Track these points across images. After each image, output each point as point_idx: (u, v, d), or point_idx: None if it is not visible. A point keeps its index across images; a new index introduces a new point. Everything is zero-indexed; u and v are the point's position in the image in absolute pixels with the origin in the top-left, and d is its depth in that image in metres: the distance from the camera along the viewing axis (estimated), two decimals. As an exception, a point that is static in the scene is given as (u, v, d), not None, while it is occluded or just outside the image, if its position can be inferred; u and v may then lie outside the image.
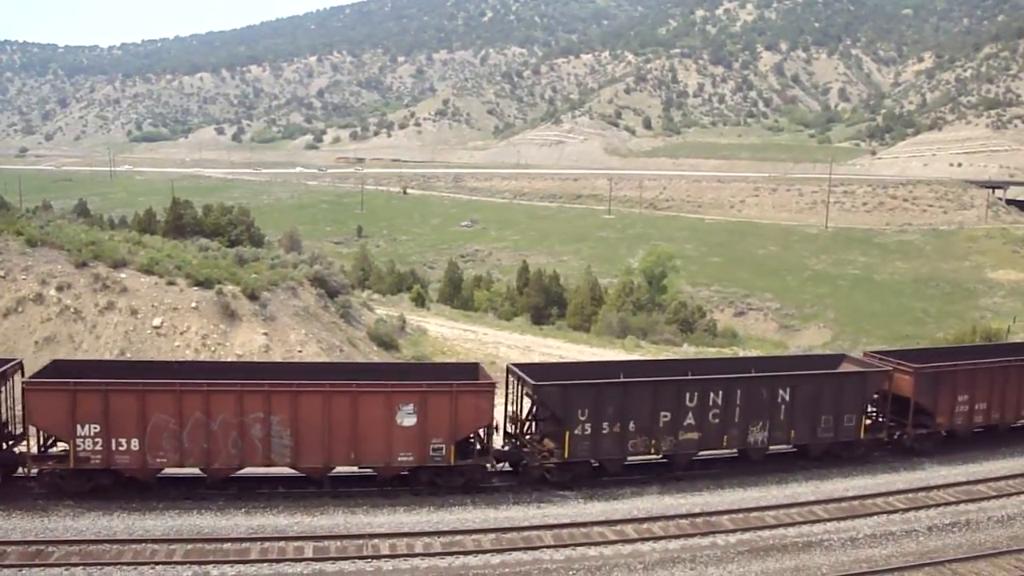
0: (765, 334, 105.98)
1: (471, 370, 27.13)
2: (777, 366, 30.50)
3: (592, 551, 21.32)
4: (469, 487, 24.90)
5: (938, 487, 26.27)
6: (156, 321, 36.20)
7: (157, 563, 19.68)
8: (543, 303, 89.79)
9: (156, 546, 20.42)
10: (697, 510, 24.00)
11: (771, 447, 27.58)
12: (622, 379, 27.00)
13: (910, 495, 25.56)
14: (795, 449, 28.60)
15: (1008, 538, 22.92)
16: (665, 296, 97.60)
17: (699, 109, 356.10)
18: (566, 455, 25.07)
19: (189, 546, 20.52)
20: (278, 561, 20.08)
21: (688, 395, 26.13)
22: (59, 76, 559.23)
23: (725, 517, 23.61)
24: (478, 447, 25.13)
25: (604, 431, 25.39)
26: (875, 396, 29.05)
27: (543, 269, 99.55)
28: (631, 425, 25.61)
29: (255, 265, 46.96)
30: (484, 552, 20.90)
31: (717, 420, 26.44)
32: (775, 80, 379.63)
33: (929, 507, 24.78)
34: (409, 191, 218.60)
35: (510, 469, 26.22)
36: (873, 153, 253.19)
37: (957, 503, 25.14)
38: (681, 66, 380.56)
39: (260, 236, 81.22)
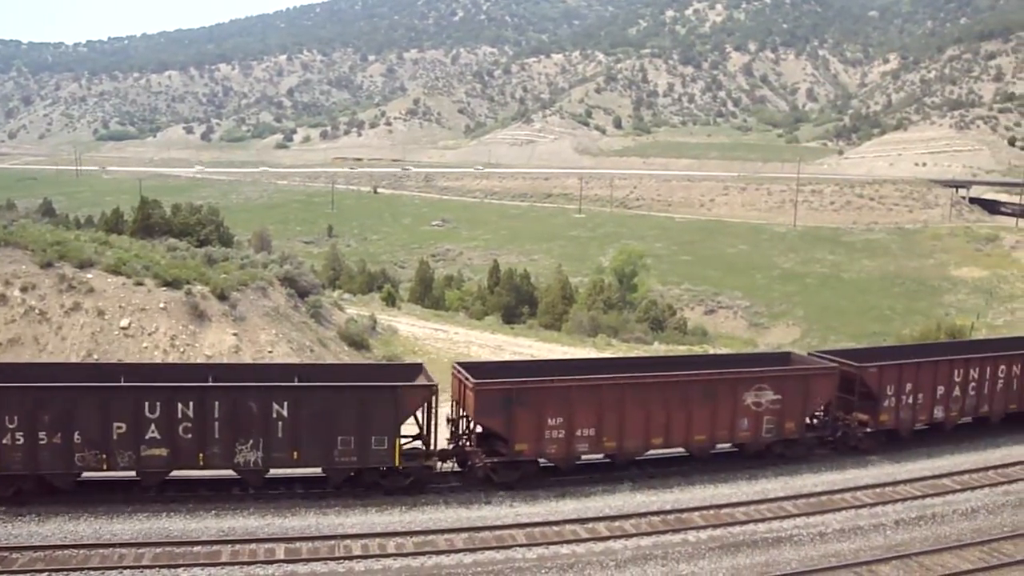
0: (735, 332, 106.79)
1: None
2: (338, 375, 27.02)
3: (564, 549, 21.35)
4: None
5: (905, 482, 26.59)
6: (124, 322, 35.83)
7: (125, 567, 19.43)
8: (514, 302, 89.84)
9: (124, 550, 20.16)
10: (668, 507, 24.10)
11: (272, 470, 23.83)
12: (59, 384, 23.35)
13: (877, 490, 25.86)
14: (324, 473, 24.58)
15: (972, 530, 23.27)
16: (636, 295, 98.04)
17: (669, 109, 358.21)
18: None
19: (158, 550, 20.28)
20: (249, 563, 19.90)
21: (149, 405, 22.62)
22: (23, 73, 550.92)
23: (696, 514, 23.74)
24: None
25: (42, 441, 22.18)
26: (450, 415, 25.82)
27: (514, 268, 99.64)
28: (76, 436, 22.33)
29: (224, 265, 46.65)
30: (457, 551, 20.87)
31: (190, 435, 22.85)
32: (744, 80, 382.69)
33: (896, 501, 25.09)
34: (380, 190, 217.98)
35: None
36: (840, 153, 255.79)
37: (923, 497, 25.48)
38: (651, 66, 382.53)
39: (229, 236, 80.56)
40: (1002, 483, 26.63)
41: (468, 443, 25.60)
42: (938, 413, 30.30)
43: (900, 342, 56.83)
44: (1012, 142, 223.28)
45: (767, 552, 21.74)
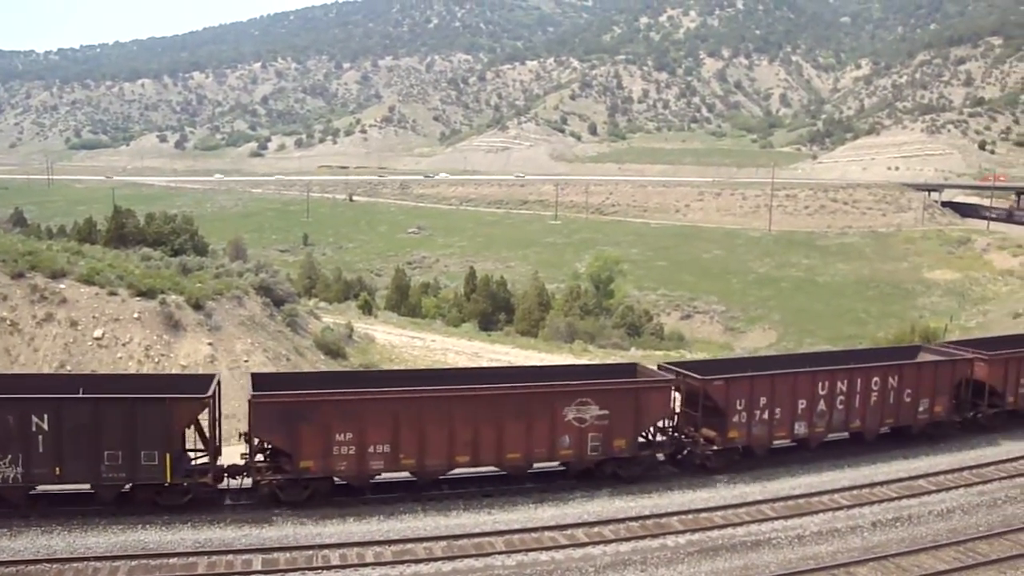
0: (711, 337, 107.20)
1: None
2: (133, 386, 25.12)
3: (543, 556, 21.34)
4: None
5: (881, 483, 26.76)
6: (97, 332, 35.47)
7: (100, 580, 19.25)
8: (491, 309, 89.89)
9: (99, 564, 19.94)
10: (647, 512, 24.11)
11: (36, 487, 22.73)
12: None
13: (854, 492, 26.01)
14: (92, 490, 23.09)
15: (947, 531, 23.47)
16: (612, 300, 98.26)
17: (644, 115, 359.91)
18: None
19: (133, 562, 20.07)
20: (226, 575, 19.76)
21: None
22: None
23: (675, 518, 23.77)
24: None
25: None
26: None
27: (490, 275, 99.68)
28: None
29: (199, 274, 46.37)
30: (435, 560, 20.80)
31: None
32: (718, 86, 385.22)
33: (872, 503, 25.25)
34: (355, 198, 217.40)
35: None
36: (814, 157, 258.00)
37: (899, 498, 25.66)
38: (626, 72, 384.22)
39: (204, 245, 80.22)
40: (976, 483, 26.87)
41: (258, 458, 23.91)
42: (800, 429, 28.38)
43: (875, 344, 57.30)
44: (982, 146, 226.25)
45: (746, 556, 21.81)
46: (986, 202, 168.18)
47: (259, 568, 20.12)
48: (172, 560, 20.28)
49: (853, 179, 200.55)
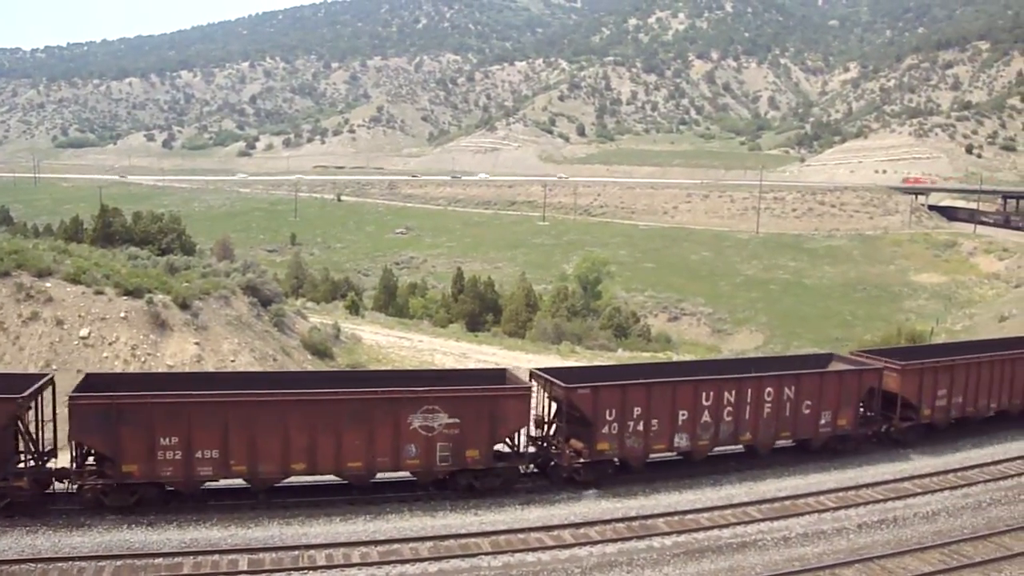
0: (698, 339, 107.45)
1: None
2: None
3: (530, 557, 21.35)
4: None
5: (867, 486, 26.87)
6: (83, 332, 35.28)
7: (85, 580, 19.15)
8: (478, 310, 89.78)
9: (84, 564, 19.85)
10: (633, 513, 24.15)
11: None
12: None
13: (840, 494, 26.11)
14: None
15: (933, 533, 23.59)
16: (600, 302, 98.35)
17: (632, 116, 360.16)
18: None
19: (119, 563, 19.99)
20: (211, 575, 19.70)
21: None
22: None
23: (661, 520, 23.82)
24: None
25: None
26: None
27: (478, 276, 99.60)
28: None
29: (186, 274, 46.18)
30: (422, 560, 20.79)
31: None
32: (707, 88, 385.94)
33: (858, 505, 25.35)
34: (343, 198, 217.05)
35: None
36: (802, 160, 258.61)
37: (885, 500, 25.76)
38: (614, 74, 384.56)
39: (192, 244, 79.78)
40: (962, 486, 27.04)
41: (89, 462, 23.18)
42: (681, 442, 26.85)
43: (861, 347, 57.47)
44: (969, 149, 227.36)
45: (732, 557, 21.87)
46: (973, 206, 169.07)
47: (245, 568, 20.06)
48: (158, 560, 20.21)
49: (841, 182, 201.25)
